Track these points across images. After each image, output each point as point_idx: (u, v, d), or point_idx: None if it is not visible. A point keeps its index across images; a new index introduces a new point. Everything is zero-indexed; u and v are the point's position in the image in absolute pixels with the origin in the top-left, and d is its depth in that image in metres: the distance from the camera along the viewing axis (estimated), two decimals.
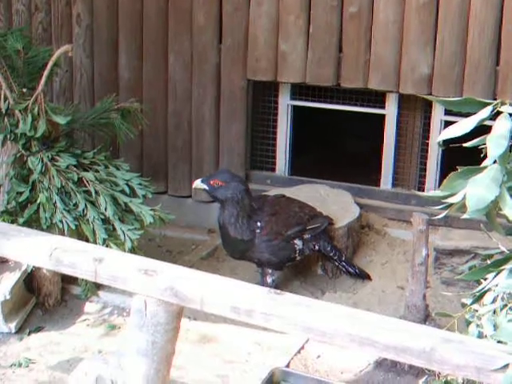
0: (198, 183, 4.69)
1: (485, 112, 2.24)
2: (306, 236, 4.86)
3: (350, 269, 5.06)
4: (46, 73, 4.69)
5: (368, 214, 5.56)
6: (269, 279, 4.87)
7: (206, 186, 4.64)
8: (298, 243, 4.83)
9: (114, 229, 4.57)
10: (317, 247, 4.93)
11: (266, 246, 4.72)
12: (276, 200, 4.94)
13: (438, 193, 2.33)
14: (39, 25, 6.05)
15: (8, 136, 4.64)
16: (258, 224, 4.69)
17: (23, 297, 4.70)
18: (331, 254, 4.97)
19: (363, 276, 5.11)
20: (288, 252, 4.81)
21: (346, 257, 5.06)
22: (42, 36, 6.03)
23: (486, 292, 2.53)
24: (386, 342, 2.31)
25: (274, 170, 5.94)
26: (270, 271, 4.87)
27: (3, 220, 4.47)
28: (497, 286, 2.44)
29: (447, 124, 4.20)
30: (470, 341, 2.31)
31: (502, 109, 2.22)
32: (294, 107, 5.83)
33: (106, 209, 4.57)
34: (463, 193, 2.21)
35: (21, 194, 4.61)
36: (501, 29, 4.99)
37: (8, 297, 4.48)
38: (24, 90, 4.77)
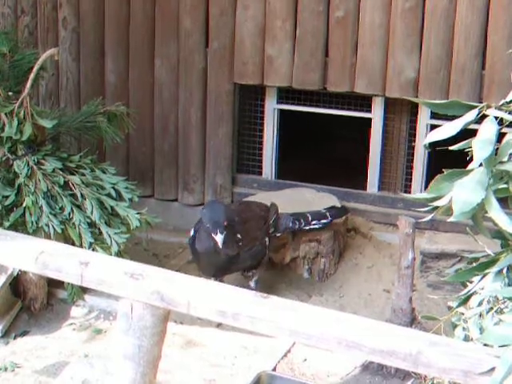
0: (220, 238, 4.33)
1: (470, 115, 2.24)
2: (271, 230, 4.88)
3: (324, 220, 5.03)
4: (31, 76, 4.67)
5: (354, 218, 5.57)
6: (252, 283, 4.86)
7: (224, 232, 4.35)
8: (266, 240, 4.85)
9: (101, 232, 4.56)
10: (278, 234, 4.96)
11: (248, 255, 4.71)
12: (240, 207, 4.97)
13: (425, 195, 2.34)
14: (25, 28, 6.04)
15: None
16: (239, 236, 4.64)
17: (9, 301, 4.67)
18: (296, 227, 4.96)
19: (341, 213, 5.22)
20: (263, 252, 4.84)
21: (311, 215, 5.01)
22: (27, 39, 6.01)
23: (472, 295, 2.53)
24: (372, 345, 2.31)
25: (260, 173, 5.93)
26: (249, 274, 4.86)
27: None
28: (483, 289, 2.45)
29: (433, 127, 4.19)
30: (457, 344, 2.32)
31: (487, 112, 2.23)
32: (281, 111, 5.83)
33: (92, 212, 4.55)
34: (449, 196, 2.22)
35: (6, 197, 4.58)
36: (486, 33, 5.01)
37: None
38: (10, 93, 4.75)
